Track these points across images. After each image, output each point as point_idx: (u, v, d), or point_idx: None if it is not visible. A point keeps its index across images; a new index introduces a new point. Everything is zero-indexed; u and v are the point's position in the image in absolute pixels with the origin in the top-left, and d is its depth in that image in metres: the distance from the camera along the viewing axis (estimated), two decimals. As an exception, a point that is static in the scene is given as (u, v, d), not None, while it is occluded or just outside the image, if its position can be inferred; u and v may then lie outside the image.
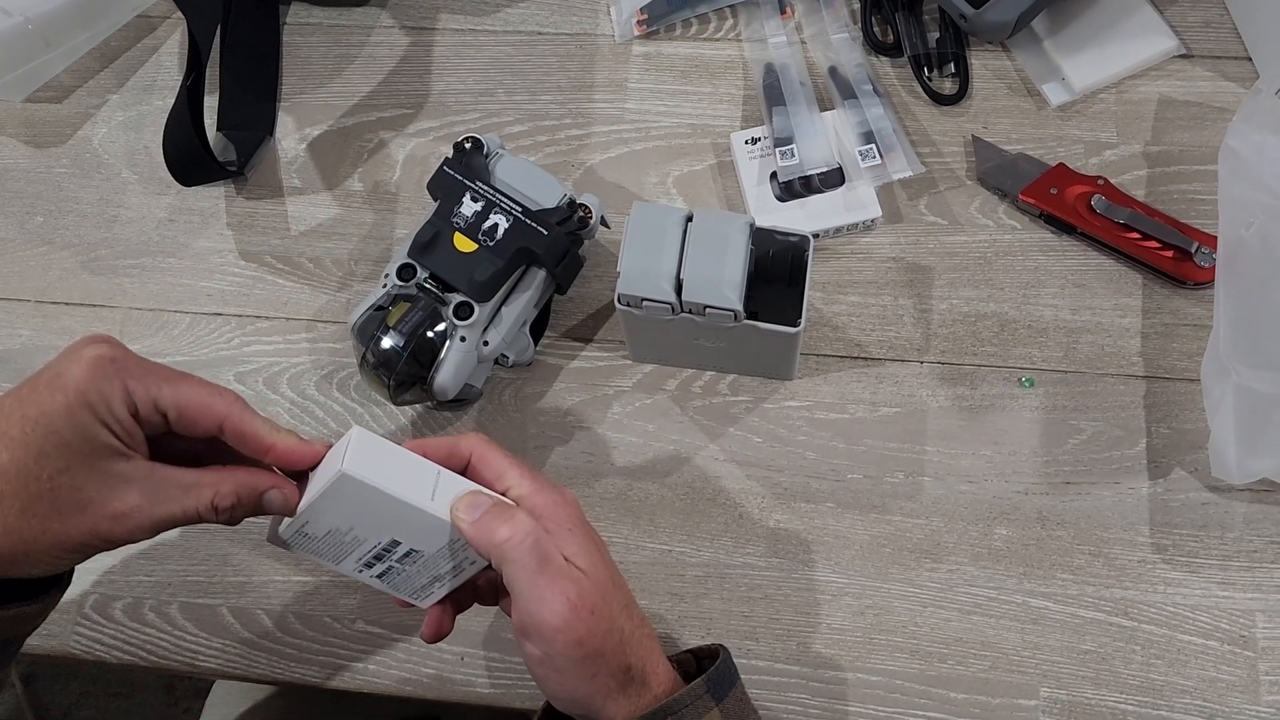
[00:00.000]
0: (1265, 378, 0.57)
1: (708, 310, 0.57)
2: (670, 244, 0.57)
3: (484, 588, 0.53)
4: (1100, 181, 0.67)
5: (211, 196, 0.73)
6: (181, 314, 0.71)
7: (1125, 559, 0.61)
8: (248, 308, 0.70)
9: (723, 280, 0.56)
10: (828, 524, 0.63)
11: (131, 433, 0.44)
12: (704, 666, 0.51)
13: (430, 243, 0.61)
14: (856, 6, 0.74)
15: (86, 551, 0.45)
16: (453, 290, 0.61)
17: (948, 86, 0.72)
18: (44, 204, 0.74)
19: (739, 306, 0.57)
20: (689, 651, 0.54)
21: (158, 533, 0.46)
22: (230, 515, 0.46)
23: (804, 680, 0.60)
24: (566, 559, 0.47)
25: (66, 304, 0.71)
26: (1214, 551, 0.61)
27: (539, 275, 0.63)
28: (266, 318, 0.70)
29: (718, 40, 0.74)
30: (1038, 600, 0.61)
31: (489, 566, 0.49)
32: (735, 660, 0.60)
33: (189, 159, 0.70)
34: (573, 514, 0.49)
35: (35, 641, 0.62)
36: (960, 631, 0.61)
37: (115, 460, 0.44)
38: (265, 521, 0.50)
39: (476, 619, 0.62)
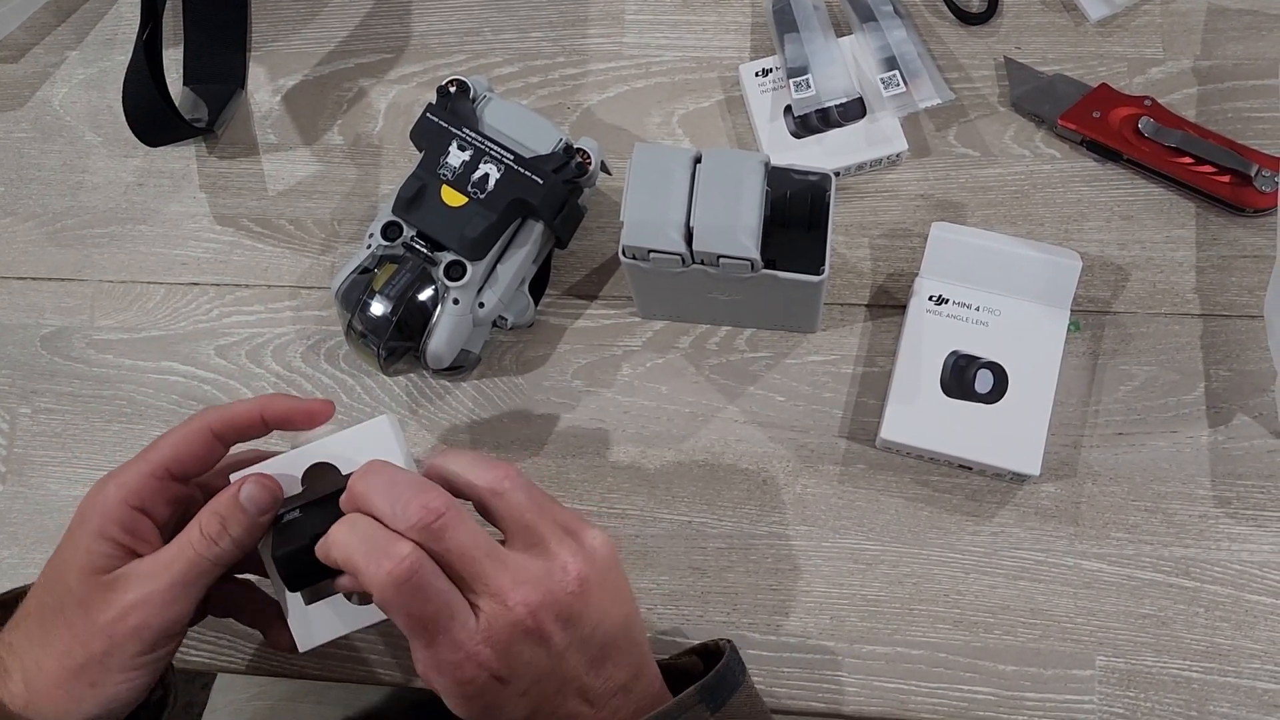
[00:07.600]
0: (1341, 312, 0.52)
1: (722, 260, 0.52)
2: (678, 188, 0.52)
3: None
4: (1147, 102, 0.61)
5: (182, 157, 0.68)
6: (156, 285, 0.66)
7: (1185, 514, 0.57)
8: (226, 275, 0.66)
9: (737, 227, 0.51)
10: (859, 487, 0.59)
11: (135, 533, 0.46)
12: (710, 667, 0.47)
13: (416, 197, 0.57)
14: (872, -80, 0.68)
15: (144, 652, 0.45)
16: (443, 249, 0.57)
17: (975, 4, 0.66)
18: (4, 172, 0.69)
19: (756, 255, 0.52)
20: (692, 651, 0.49)
21: (186, 597, 0.45)
22: (229, 539, 0.45)
23: (840, 656, 0.56)
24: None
25: (34, 279, 0.67)
26: (1283, 503, 0.56)
27: (536, 228, 0.58)
28: (246, 285, 0.65)
29: (721, -36, 0.68)
30: (1090, 562, 0.56)
31: None
32: (764, 637, 0.57)
33: (152, 117, 0.65)
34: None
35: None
36: (1007, 598, 0.56)
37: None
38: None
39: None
